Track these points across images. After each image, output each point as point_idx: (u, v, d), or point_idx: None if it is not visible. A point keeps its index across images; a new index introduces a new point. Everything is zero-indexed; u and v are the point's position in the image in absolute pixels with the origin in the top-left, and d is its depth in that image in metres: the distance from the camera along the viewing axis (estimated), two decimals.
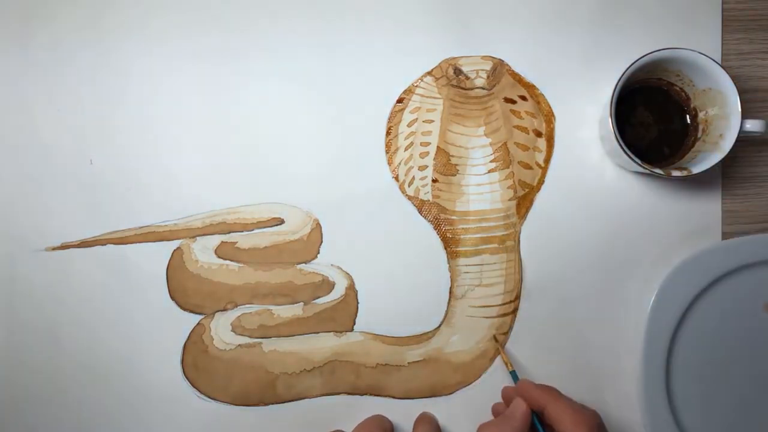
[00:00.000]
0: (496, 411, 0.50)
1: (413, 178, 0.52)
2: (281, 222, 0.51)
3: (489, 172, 0.52)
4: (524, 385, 0.47)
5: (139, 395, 0.50)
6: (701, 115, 0.50)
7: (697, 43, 0.50)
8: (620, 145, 0.47)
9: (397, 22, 0.52)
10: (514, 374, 0.50)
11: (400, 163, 0.52)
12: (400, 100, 0.52)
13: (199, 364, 0.50)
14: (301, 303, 0.51)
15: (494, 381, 0.52)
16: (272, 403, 0.50)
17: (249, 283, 0.51)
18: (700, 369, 0.52)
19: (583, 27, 0.52)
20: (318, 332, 0.51)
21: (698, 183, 0.53)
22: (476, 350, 0.52)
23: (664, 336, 0.51)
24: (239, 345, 0.50)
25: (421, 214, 0.52)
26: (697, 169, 0.48)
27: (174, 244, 0.50)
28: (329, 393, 0.51)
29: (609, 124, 0.47)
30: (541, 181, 0.52)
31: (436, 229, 0.52)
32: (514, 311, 0.52)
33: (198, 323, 0.50)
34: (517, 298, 0.52)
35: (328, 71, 0.51)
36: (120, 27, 0.50)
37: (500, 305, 0.52)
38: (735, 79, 0.47)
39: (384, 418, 0.50)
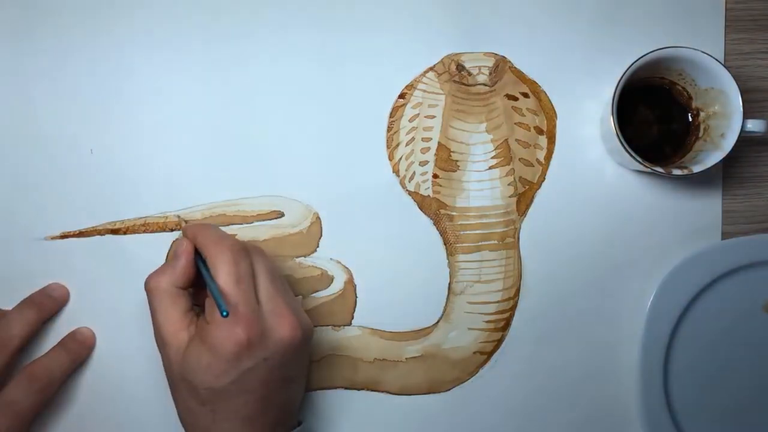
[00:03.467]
0: None
1: (414, 173, 0.52)
2: (281, 215, 0.51)
3: (490, 168, 0.52)
4: (188, 227, 0.46)
5: (137, 385, 0.50)
6: (703, 114, 0.51)
7: (699, 42, 0.50)
8: (621, 143, 0.47)
9: (399, 17, 0.52)
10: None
11: (401, 159, 0.52)
12: (402, 96, 0.52)
13: None
14: (300, 296, 0.51)
15: (492, 377, 0.52)
16: None
17: None
18: (699, 369, 0.52)
19: (586, 25, 0.52)
20: (316, 326, 0.51)
21: (699, 182, 0.53)
22: (474, 346, 0.52)
23: (663, 335, 0.51)
24: None
25: (421, 210, 0.52)
26: (697, 169, 0.48)
27: (173, 236, 0.50)
28: (326, 387, 0.51)
29: (610, 123, 0.47)
30: (541, 179, 0.52)
31: (436, 225, 0.52)
32: (513, 308, 0.52)
33: None
34: (516, 295, 0.52)
35: (329, 66, 0.51)
36: (122, 19, 0.50)
37: (499, 302, 0.52)
38: (736, 78, 0.47)
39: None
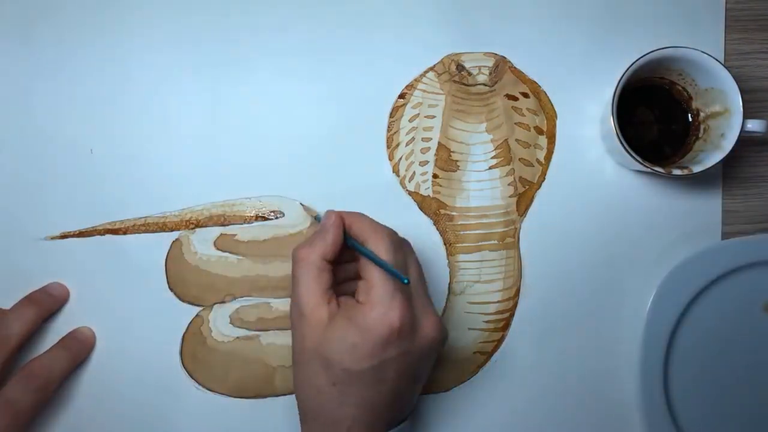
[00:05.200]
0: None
1: (414, 173, 0.52)
2: (281, 215, 0.51)
3: (490, 168, 0.52)
4: (338, 213, 0.45)
5: (136, 385, 0.50)
6: (703, 114, 0.51)
7: (699, 42, 0.50)
8: (621, 143, 0.47)
9: (399, 17, 0.52)
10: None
11: (401, 159, 0.52)
12: (402, 96, 0.52)
13: (197, 356, 0.50)
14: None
15: (492, 377, 0.52)
16: (269, 396, 0.50)
17: (248, 275, 0.51)
18: (699, 369, 0.52)
19: (586, 25, 0.53)
20: None
21: (699, 182, 0.53)
22: (474, 347, 0.52)
23: (663, 335, 0.51)
24: (237, 337, 0.50)
25: (421, 210, 0.52)
26: (697, 169, 0.48)
27: (173, 236, 0.50)
28: None
29: (610, 123, 0.47)
30: (541, 179, 0.52)
31: (436, 225, 0.52)
32: (513, 308, 0.52)
33: (196, 315, 0.50)
34: (516, 295, 0.52)
35: (329, 65, 0.51)
36: (122, 19, 0.50)
37: (499, 302, 0.52)
38: (736, 79, 0.47)
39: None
